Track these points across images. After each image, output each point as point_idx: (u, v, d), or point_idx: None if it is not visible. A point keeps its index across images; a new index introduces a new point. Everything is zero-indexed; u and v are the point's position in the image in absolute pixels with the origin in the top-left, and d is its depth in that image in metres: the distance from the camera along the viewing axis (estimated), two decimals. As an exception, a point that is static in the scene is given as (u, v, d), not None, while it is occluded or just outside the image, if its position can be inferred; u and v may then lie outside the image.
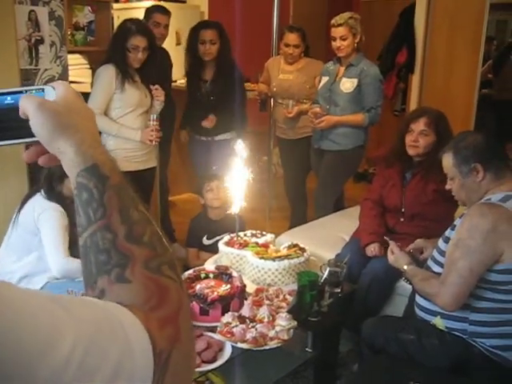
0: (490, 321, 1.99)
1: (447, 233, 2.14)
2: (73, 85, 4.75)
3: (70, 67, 4.77)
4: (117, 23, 3.90)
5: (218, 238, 2.98)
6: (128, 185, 0.72)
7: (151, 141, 3.23)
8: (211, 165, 3.81)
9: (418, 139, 2.75)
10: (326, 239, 3.18)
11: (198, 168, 4.02)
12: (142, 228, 0.68)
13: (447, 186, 2.15)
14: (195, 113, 3.90)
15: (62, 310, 0.53)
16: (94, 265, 0.65)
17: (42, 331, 0.50)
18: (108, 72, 3.15)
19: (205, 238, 3.17)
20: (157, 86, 3.27)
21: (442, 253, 2.11)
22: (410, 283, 2.32)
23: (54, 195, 2.53)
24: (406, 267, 2.25)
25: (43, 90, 0.72)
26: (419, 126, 2.75)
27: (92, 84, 3.47)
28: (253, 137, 5.37)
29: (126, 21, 3.35)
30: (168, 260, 0.68)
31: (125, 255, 0.65)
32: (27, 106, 0.69)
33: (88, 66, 4.52)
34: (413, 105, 5.27)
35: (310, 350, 2.45)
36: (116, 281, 0.63)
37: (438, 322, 2.10)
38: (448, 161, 2.09)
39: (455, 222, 2.11)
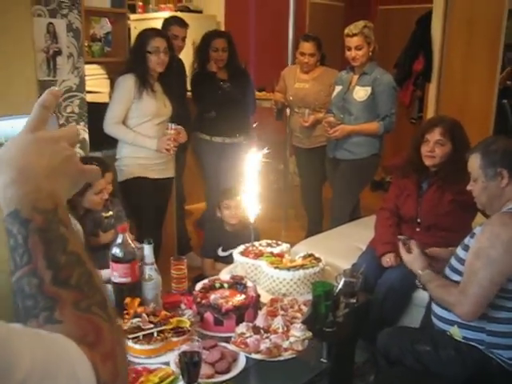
0: (508, 331, 1.97)
1: (466, 241, 2.11)
2: (91, 95, 4.84)
3: (87, 77, 4.84)
4: (133, 34, 3.96)
5: (232, 250, 2.98)
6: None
7: (168, 150, 3.25)
8: (223, 168, 3.83)
9: (434, 149, 2.72)
10: (341, 249, 3.17)
11: (209, 170, 4.03)
12: (68, 271, 0.67)
13: (469, 187, 2.13)
14: (211, 113, 3.93)
15: (18, 337, 0.55)
16: (22, 309, 0.66)
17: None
18: (127, 82, 3.20)
19: (220, 250, 3.17)
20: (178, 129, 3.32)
21: (461, 261, 2.09)
22: (424, 288, 2.28)
23: (71, 206, 2.56)
24: (421, 271, 2.21)
25: None
26: (435, 135, 2.72)
27: (110, 93, 3.53)
28: (269, 145, 5.38)
29: (143, 30, 3.42)
30: (98, 301, 0.68)
31: (52, 299, 0.65)
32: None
33: (106, 76, 4.57)
34: (430, 113, 5.25)
35: (325, 361, 2.43)
36: (46, 323, 0.63)
37: (455, 332, 2.08)
38: (474, 161, 2.06)
39: (474, 231, 2.08)
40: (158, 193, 3.42)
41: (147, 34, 3.23)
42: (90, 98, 4.75)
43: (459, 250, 2.14)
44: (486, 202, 2.08)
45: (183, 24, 3.93)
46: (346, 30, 3.56)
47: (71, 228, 0.71)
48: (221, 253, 3.18)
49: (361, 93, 3.56)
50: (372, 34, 3.56)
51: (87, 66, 4.71)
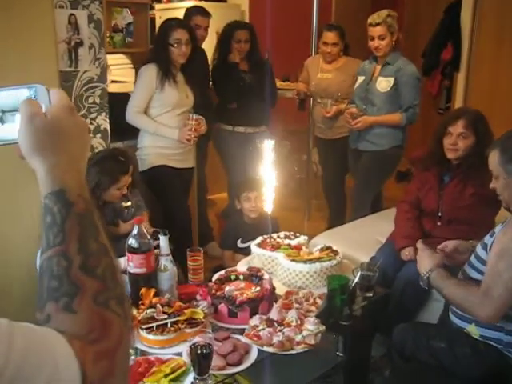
0: None
1: (486, 239, 2.07)
2: (115, 84, 4.87)
3: (112, 67, 4.88)
4: (158, 23, 3.96)
5: (252, 242, 2.98)
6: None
7: (189, 140, 3.26)
8: (244, 158, 3.83)
9: (456, 142, 2.66)
10: (361, 241, 3.14)
11: (230, 161, 4.04)
12: (97, 260, 0.69)
13: (491, 185, 2.06)
14: (233, 104, 3.94)
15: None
16: (45, 289, 0.67)
17: None
18: (149, 72, 3.22)
19: (239, 242, 3.17)
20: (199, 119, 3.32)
21: (481, 260, 2.05)
22: (429, 288, 2.19)
23: (93, 199, 2.58)
24: (427, 270, 2.13)
25: (35, 88, 0.73)
26: (458, 128, 2.67)
27: (135, 83, 3.55)
28: (293, 135, 5.37)
29: (166, 20, 3.43)
30: (117, 295, 0.70)
31: (75, 285, 0.66)
32: (22, 113, 0.72)
33: (131, 66, 4.60)
34: (458, 103, 5.15)
35: (340, 354, 2.42)
36: (63, 309, 0.65)
37: (473, 330, 2.05)
38: (494, 159, 2.00)
39: (495, 229, 2.03)
40: (179, 182, 3.44)
41: (169, 25, 3.24)
42: (114, 87, 4.80)
43: (478, 249, 2.09)
44: (508, 198, 2.02)
45: (206, 13, 3.92)
46: (369, 20, 3.51)
47: (100, 220, 0.75)
48: (240, 244, 3.18)
49: (384, 83, 3.51)
50: (395, 24, 3.50)
51: (112, 56, 4.76)
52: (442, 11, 5.46)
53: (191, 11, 3.95)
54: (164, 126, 3.28)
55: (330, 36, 3.93)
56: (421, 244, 2.30)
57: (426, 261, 2.17)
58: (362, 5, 6.42)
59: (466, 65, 5.06)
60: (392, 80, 3.49)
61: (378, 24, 3.46)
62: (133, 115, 3.27)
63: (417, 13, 6.53)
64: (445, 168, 2.80)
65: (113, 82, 4.96)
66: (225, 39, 3.90)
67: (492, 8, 4.81)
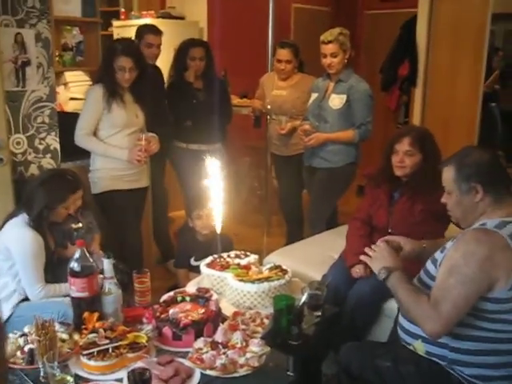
0: (471, 349, 1.92)
1: (436, 255, 2.06)
2: (73, 101, 4.82)
3: (70, 84, 4.84)
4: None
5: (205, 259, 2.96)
6: None
7: (139, 161, 3.22)
8: (198, 176, 3.82)
9: (403, 160, 2.70)
10: (315, 258, 3.15)
11: (185, 178, 4.02)
12: None
13: (443, 200, 2.07)
14: (187, 122, 3.94)
15: None
16: None
17: None
18: (95, 93, 3.18)
19: (192, 260, 3.15)
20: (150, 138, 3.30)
21: (429, 274, 2.05)
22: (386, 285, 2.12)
23: (39, 220, 2.54)
24: (383, 267, 2.08)
25: None
26: (403, 146, 2.70)
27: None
28: (252, 152, 5.38)
29: (114, 41, 3.41)
30: None
31: None
32: None
33: (90, 83, 4.56)
34: (416, 117, 5.24)
35: (291, 374, 2.41)
36: None
37: (419, 346, 2.04)
38: (448, 175, 2.01)
39: (446, 245, 2.04)
40: (132, 203, 3.41)
41: (114, 50, 3.18)
42: (73, 104, 4.76)
43: (428, 264, 2.10)
44: (460, 215, 2.04)
45: (157, 32, 3.92)
46: (322, 37, 3.55)
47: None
48: (193, 262, 3.17)
49: (336, 101, 3.54)
50: (348, 41, 3.54)
51: (70, 73, 4.72)
52: (399, 27, 5.56)
53: (142, 30, 3.95)
54: (113, 148, 3.23)
55: (284, 53, 3.96)
56: (383, 243, 2.23)
57: (386, 259, 2.13)
58: (321, 21, 6.51)
59: (422, 80, 5.16)
60: (344, 97, 3.52)
61: (330, 42, 3.50)
62: (81, 138, 3.21)
63: (375, 29, 6.65)
64: (394, 185, 2.83)
65: (71, 99, 4.92)
66: (180, 57, 3.90)
67: (446, 23, 4.92)
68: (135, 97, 3.29)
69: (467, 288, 1.84)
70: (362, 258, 2.23)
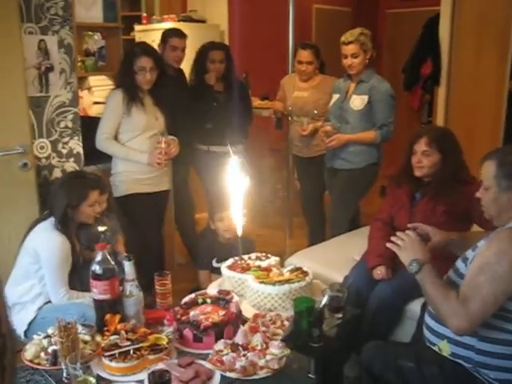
0: (497, 352, 1.90)
1: (468, 253, 2.03)
2: (97, 106, 4.87)
3: (94, 88, 4.89)
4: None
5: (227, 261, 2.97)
6: None
7: (159, 164, 3.25)
8: (219, 178, 3.85)
9: (421, 160, 2.68)
10: (336, 260, 3.13)
11: (207, 180, 4.04)
12: None
13: (478, 194, 2.03)
14: (207, 124, 3.96)
15: None
16: None
17: None
18: (116, 97, 3.22)
19: (214, 261, 3.16)
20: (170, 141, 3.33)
21: (458, 273, 2.03)
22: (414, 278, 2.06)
23: (65, 222, 2.58)
24: (413, 259, 2.02)
25: None
26: (420, 146, 2.69)
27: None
28: (274, 153, 5.38)
29: (133, 45, 3.44)
30: None
31: None
32: None
33: (113, 87, 4.61)
34: (439, 117, 5.17)
35: (312, 376, 2.40)
36: None
37: (444, 347, 2.02)
38: (489, 170, 1.96)
39: (478, 244, 2.01)
40: (153, 206, 3.44)
41: (134, 52, 3.23)
42: (97, 109, 4.81)
43: (459, 263, 2.07)
44: (494, 212, 1.99)
45: (182, 35, 3.95)
46: (342, 38, 3.53)
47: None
48: (215, 264, 3.18)
49: (357, 101, 3.52)
50: (369, 42, 3.51)
51: (94, 78, 4.78)
52: (422, 26, 5.51)
53: (167, 33, 3.99)
54: (134, 151, 3.27)
55: (305, 54, 3.96)
56: (412, 231, 2.16)
57: (416, 251, 2.06)
58: (343, 22, 6.49)
59: (446, 79, 5.09)
60: (366, 98, 3.50)
61: (350, 42, 3.48)
62: (102, 142, 3.25)
63: (396, 29, 6.61)
64: (416, 185, 2.80)
65: (95, 103, 4.98)
66: (200, 60, 3.93)
67: (470, 21, 4.85)
68: (155, 99, 3.33)
69: (497, 286, 1.82)
70: (389, 245, 2.14)
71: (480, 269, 1.87)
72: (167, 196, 3.64)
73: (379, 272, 2.73)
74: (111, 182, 3.35)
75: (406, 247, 2.08)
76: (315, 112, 3.96)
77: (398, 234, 2.13)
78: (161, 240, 3.56)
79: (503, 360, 1.90)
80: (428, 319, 2.11)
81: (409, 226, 2.25)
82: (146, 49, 3.27)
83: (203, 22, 5.44)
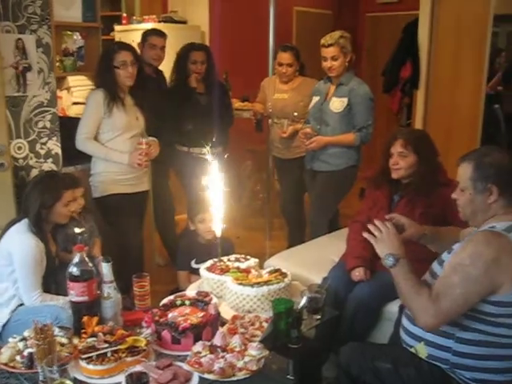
0: (473, 353, 1.92)
1: (443, 256, 2.06)
2: (76, 106, 4.82)
3: (73, 89, 4.85)
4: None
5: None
6: None
7: (140, 164, 3.23)
8: (199, 179, 3.84)
9: (397, 162, 2.72)
10: (315, 261, 3.14)
11: (187, 182, 4.02)
12: None
13: (453, 196, 2.04)
14: (188, 126, 3.95)
15: None
16: None
17: None
18: (96, 97, 3.20)
19: (193, 262, 3.15)
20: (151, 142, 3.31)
21: (435, 276, 2.04)
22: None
23: (39, 223, 2.56)
24: (388, 253, 2.02)
25: None
26: (396, 148, 2.73)
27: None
28: (254, 155, 5.39)
29: (109, 45, 3.44)
30: None
31: None
32: None
33: (93, 87, 4.57)
34: (418, 120, 5.23)
35: (291, 378, 2.41)
36: None
37: (421, 349, 2.04)
38: (466, 171, 1.98)
39: (453, 246, 2.03)
40: (133, 207, 3.42)
41: (112, 49, 3.22)
42: (76, 109, 4.77)
43: (435, 265, 2.09)
44: (470, 214, 2.01)
45: (161, 34, 3.97)
46: (322, 41, 3.55)
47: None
48: (194, 265, 3.17)
49: (337, 104, 3.54)
50: (348, 44, 3.54)
51: (73, 78, 4.73)
52: (401, 30, 5.56)
53: (147, 33, 4.01)
54: (114, 151, 3.25)
55: (285, 56, 3.97)
56: (390, 223, 2.14)
57: (394, 244, 2.05)
58: (323, 24, 6.52)
59: (424, 82, 5.15)
60: (346, 100, 3.52)
61: (330, 45, 3.50)
62: (82, 142, 3.23)
63: (377, 32, 6.66)
64: (394, 188, 2.83)
65: (75, 103, 4.94)
66: (181, 61, 3.91)
67: (448, 26, 4.92)
68: (135, 100, 3.32)
69: (469, 288, 1.84)
70: (366, 235, 2.12)
71: (454, 269, 1.89)
72: (146, 197, 3.62)
73: (357, 273, 2.74)
74: (90, 183, 3.32)
75: (383, 239, 2.07)
76: (295, 114, 3.97)
77: (377, 223, 2.11)
78: (141, 241, 3.53)
79: (479, 360, 1.92)
80: (405, 321, 2.13)
81: (386, 217, 2.25)
82: (123, 44, 3.30)
83: (184, 22, 5.43)
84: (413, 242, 2.35)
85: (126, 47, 3.24)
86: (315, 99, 3.71)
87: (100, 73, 3.25)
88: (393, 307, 2.63)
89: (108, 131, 3.23)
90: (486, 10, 4.66)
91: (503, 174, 1.93)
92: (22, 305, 2.53)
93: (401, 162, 2.71)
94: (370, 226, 2.11)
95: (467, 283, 1.84)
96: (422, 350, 2.03)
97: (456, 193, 2.04)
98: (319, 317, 2.30)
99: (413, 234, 2.29)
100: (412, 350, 2.07)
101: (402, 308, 2.31)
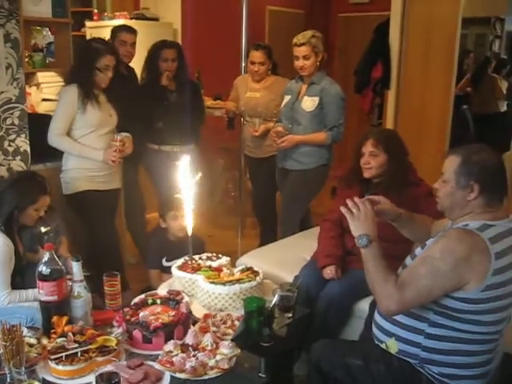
0: (442, 349, 1.95)
1: (417, 251, 2.09)
2: (46, 103, 4.75)
3: (43, 85, 4.77)
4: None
5: (177, 260, 2.95)
6: None
7: (114, 161, 3.21)
8: (171, 177, 3.82)
9: (369, 161, 2.74)
10: (287, 260, 3.15)
11: (158, 180, 3.99)
12: None
13: (435, 185, 2.06)
14: (158, 123, 3.91)
15: None
16: None
17: None
18: (70, 93, 3.16)
19: (164, 260, 3.14)
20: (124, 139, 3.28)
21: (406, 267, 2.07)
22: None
23: (10, 223, 2.52)
24: (364, 233, 2.02)
25: None
26: (367, 147, 2.76)
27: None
28: (226, 153, 5.38)
29: (90, 41, 3.41)
30: None
31: None
32: None
33: (63, 84, 4.50)
34: (389, 119, 5.29)
35: (263, 376, 2.41)
36: None
37: (392, 345, 2.06)
38: (452, 164, 1.99)
39: (427, 242, 2.06)
40: (106, 204, 3.39)
41: (97, 49, 3.17)
42: (46, 106, 4.70)
43: (408, 260, 2.12)
44: (448, 206, 2.03)
45: (131, 30, 3.92)
46: (294, 40, 3.56)
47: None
48: (165, 263, 3.15)
49: (309, 103, 3.56)
50: (320, 44, 3.56)
51: (43, 74, 4.66)
52: (372, 31, 5.62)
53: (117, 29, 3.96)
54: (88, 148, 3.21)
55: (257, 55, 3.98)
56: (369, 203, 2.12)
57: (369, 225, 2.05)
58: (296, 24, 6.54)
59: (395, 82, 5.21)
60: (317, 99, 3.54)
61: (302, 44, 3.52)
62: (55, 138, 3.18)
63: (348, 32, 6.71)
64: (365, 186, 2.85)
65: (44, 100, 4.86)
66: (152, 58, 3.88)
67: (418, 27, 4.98)
68: (108, 96, 3.28)
69: (435, 281, 1.86)
70: (343, 209, 2.08)
71: (423, 260, 1.92)
72: (119, 194, 3.59)
73: (329, 271, 2.76)
74: (62, 179, 3.28)
75: (360, 218, 2.06)
76: (267, 113, 3.98)
77: (356, 200, 2.09)
78: (116, 237, 3.50)
79: (447, 356, 1.95)
80: (377, 317, 2.15)
81: (366, 198, 2.20)
82: (110, 47, 3.26)
83: (156, 20, 5.39)
84: (389, 236, 2.38)
85: (111, 51, 3.22)
86: (287, 98, 3.72)
87: (78, 70, 3.21)
88: (363, 305, 2.66)
89: (81, 127, 3.20)
90: (455, 12, 4.74)
91: (487, 174, 1.95)
92: None
93: (372, 161, 2.74)
94: (349, 202, 2.09)
95: (434, 276, 1.86)
96: (393, 346, 2.06)
97: (438, 183, 2.05)
98: (291, 315, 2.31)
99: (388, 210, 2.27)
100: (383, 345, 2.09)
101: (372, 305, 2.33)
